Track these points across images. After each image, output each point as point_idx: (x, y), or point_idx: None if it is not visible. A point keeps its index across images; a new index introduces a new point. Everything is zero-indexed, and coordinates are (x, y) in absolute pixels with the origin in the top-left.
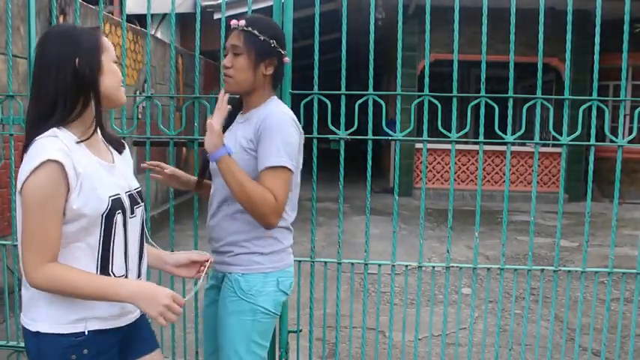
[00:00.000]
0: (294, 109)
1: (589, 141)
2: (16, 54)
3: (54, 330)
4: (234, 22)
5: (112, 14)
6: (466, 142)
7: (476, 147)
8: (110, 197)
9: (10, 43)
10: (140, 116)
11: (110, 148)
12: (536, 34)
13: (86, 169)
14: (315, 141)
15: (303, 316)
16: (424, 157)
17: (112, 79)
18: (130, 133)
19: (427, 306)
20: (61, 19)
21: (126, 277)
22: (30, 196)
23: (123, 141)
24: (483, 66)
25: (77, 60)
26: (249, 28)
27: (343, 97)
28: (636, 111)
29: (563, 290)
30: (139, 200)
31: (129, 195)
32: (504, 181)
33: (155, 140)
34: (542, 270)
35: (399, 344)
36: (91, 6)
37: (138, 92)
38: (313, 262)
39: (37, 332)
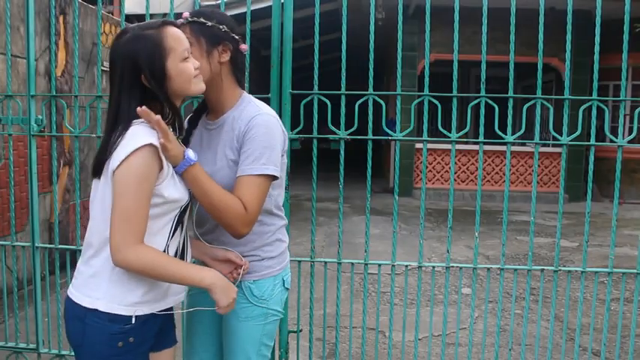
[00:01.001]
0: (294, 109)
1: (589, 141)
2: (16, 54)
3: (110, 309)
4: (179, 20)
5: (112, 14)
6: (466, 142)
7: (476, 147)
8: (189, 190)
9: (9, 43)
10: None
11: None
12: (536, 34)
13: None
14: (315, 141)
15: (303, 316)
16: (424, 157)
17: (179, 80)
18: None
19: (427, 306)
20: (60, 19)
21: None
22: (129, 175)
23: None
24: (483, 66)
25: (143, 79)
26: (195, 18)
27: (343, 97)
28: (636, 111)
29: (563, 290)
30: None
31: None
32: (504, 181)
33: None
34: (542, 270)
35: (399, 344)
36: (91, 6)
37: None
38: (313, 262)
39: (95, 310)
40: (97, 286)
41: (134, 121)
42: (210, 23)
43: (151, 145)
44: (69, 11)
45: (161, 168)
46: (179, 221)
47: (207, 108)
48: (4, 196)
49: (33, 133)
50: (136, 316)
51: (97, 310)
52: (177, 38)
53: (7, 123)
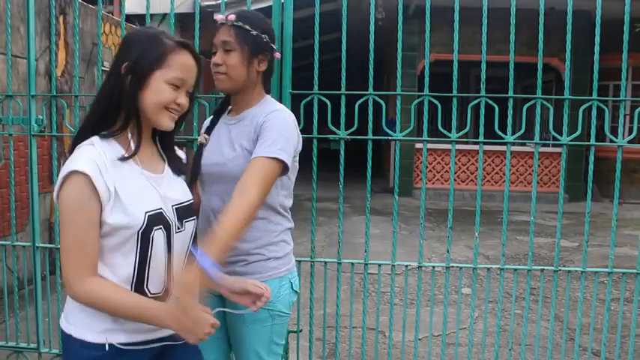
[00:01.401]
0: (294, 109)
1: (589, 141)
2: (16, 54)
3: (81, 336)
4: (221, 17)
5: (112, 14)
6: (466, 142)
7: (476, 147)
8: (147, 213)
9: (9, 43)
10: None
11: (164, 155)
12: (536, 34)
13: (125, 183)
14: (315, 141)
15: (303, 316)
16: (424, 157)
17: (152, 98)
18: None
19: (427, 306)
20: (60, 19)
21: (162, 293)
22: (61, 206)
23: (177, 148)
24: (483, 66)
25: (123, 67)
26: (240, 23)
27: (343, 97)
28: (636, 111)
29: (563, 290)
30: (190, 213)
31: (176, 208)
32: (504, 181)
33: None
34: (542, 270)
35: (399, 344)
36: (91, 6)
37: None
38: (313, 262)
39: (69, 335)
40: (72, 311)
41: (92, 138)
42: (255, 32)
43: (76, 172)
44: (69, 11)
45: (97, 193)
46: (145, 247)
47: (229, 105)
48: (5, 196)
49: (33, 133)
50: (110, 344)
51: (71, 335)
52: (183, 64)
53: (7, 123)
